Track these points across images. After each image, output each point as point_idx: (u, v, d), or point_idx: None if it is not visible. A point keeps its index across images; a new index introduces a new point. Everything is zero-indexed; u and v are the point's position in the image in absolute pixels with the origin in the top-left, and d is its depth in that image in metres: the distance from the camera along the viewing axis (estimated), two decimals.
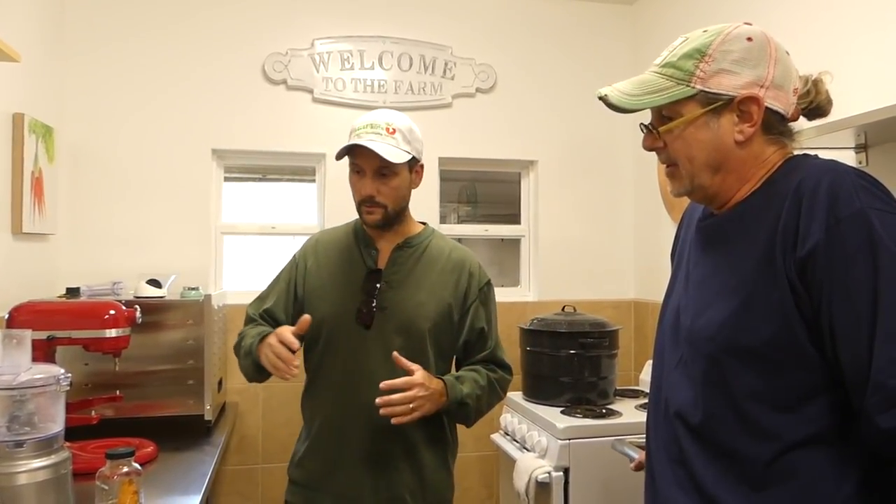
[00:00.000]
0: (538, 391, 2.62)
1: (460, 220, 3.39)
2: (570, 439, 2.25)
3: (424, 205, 2.97)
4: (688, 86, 1.02)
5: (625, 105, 1.05)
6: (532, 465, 2.26)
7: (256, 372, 1.57)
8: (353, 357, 1.57)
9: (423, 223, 1.75)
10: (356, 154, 1.56)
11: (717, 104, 1.02)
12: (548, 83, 3.13)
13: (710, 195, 1.09)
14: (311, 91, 2.87)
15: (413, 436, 1.57)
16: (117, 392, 2.07)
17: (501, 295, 3.15)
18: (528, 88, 3.11)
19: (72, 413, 1.77)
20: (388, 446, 1.55)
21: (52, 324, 1.87)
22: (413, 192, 2.95)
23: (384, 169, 1.55)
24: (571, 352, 2.54)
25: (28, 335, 1.52)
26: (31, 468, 1.45)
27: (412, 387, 1.44)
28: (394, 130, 1.55)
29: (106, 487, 1.33)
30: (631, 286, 3.21)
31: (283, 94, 2.85)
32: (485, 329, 1.67)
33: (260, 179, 3.20)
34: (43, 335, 1.83)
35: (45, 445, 1.49)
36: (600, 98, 1.07)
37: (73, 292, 2.25)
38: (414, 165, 1.62)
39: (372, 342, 1.56)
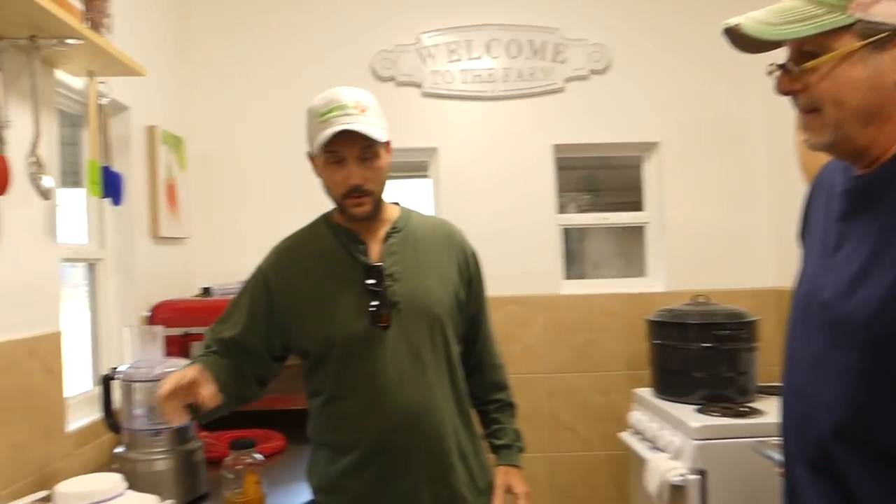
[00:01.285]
0: (669, 387, 2.46)
1: (580, 210, 3.26)
2: (706, 440, 2.09)
3: (541, 196, 2.90)
4: (843, 14, 0.86)
5: (765, 35, 0.89)
6: (665, 467, 2.12)
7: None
8: (377, 364, 1.42)
9: (395, 203, 1.60)
10: (334, 142, 1.36)
11: (879, 37, 0.86)
12: (668, 58, 2.95)
13: (857, 149, 0.92)
14: (419, 85, 2.87)
15: (458, 430, 1.51)
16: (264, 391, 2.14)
17: (626, 286, 3.08)
18: (646, 66, 2.94)
19: None
20: (440, 446, 1.46)
21: (188, 321, 1.97)
22: (527, 183, 2.93)
23: (367, 152, 1.40)
24: (704, 345, 2.36)
25: (161, 331, 1.60)
26: (167, 455, 1.53)
27: None
28: (364, 108, 1.39)
29: (230, 476, 1.37)
30: (770, 273, 2.95)
31: (393, 90, 2.86)
32: (483, 302, 1.64)
33: None
34: (179, 331, 1.94)
35: (180, 435, 1.57)
36: (727, 31, 0.93)
37: (206, 291, 2.38)
38: (387, 145, 1.47)
39: (393, 343, 1.43)
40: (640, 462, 2.32)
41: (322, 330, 1.42)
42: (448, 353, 1.49)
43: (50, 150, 1.72)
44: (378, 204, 1.45)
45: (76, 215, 2.14)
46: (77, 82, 1.84)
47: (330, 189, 1.44)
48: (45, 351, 1.66)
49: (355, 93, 1.41)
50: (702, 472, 2.06)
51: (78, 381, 1.84)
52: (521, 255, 2.89)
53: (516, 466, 1.59)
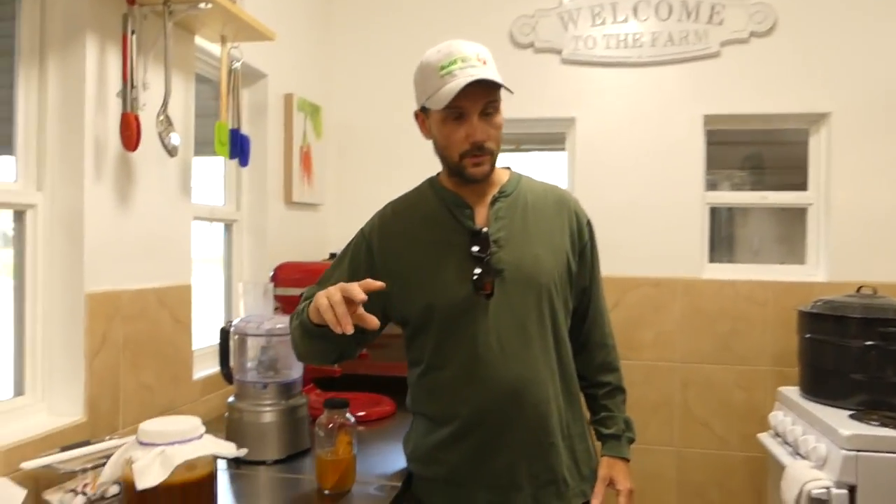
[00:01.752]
0: (820, 388, 2.18)
1: (734, 188, 2.98)
2: (858, 451, 1.82)
3: (687, 171, 2.67)
4: None
5: None
6: (805, 476, 1.88)
7: (304, 338, 1.37)
8: (479, 334, 1.35)
9: (506, 167, 1.50)
10: (459, 96, 1.28)
11: None
12: (841, 18, 2.58)
13: None
14: (559, 52, 2.74)
15: (563, 409, 1.41)
16: (363, 350, 2.18)
17: (780, 273, 2.77)
18: (817, 26, 2.59)
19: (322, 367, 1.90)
20: (541, 424, 1.37)
21: (307, 282, 2.02)
22: (672, 157, 2.71)
23: (490, 107, 1.32)
24: (867, 343, 2.06)
25: (271, 288, 1.64)
26: (273, 408, 1.57)
27: None
28: (484, 60, 1.31)
29: (322, 434, 1.37)
30: None
31: (530, 57, 2.75)
32: (596, 275, 1.52)
33: (514, 150, 3.16)
34: (298, 292, 1.99)
35: (286, 390, 1.61)
36: None
37: (334, 257, 2.43)
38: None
39: (496, 313, 1.35)
40: (779, 468, 2.08)
41: (422, 297, 1.38)
42: (555, 326, 1.39)
43: (187, 114, 1.82)
44: (494, 166, 1.39)
45: (216, 179, 2.27)
46: (217, 49, 1.92)
47: (446, 148, 1.37)
48: (175, 302, 1.77)
49: (474, 45, 1.35)
50: (850, 488, 1.81)
51: (210, 334, 1.95)
52: (661, 234, 2.69)
53: (623, 459, 1.47)
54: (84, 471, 1.25)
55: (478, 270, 1.35)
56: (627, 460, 1.48)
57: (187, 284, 1.84)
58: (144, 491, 0.95)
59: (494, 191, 1.42)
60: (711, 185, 2.80)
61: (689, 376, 2.68)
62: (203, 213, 2.07)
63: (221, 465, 1.54)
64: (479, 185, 1.41)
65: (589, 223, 1.49)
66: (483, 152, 1.34)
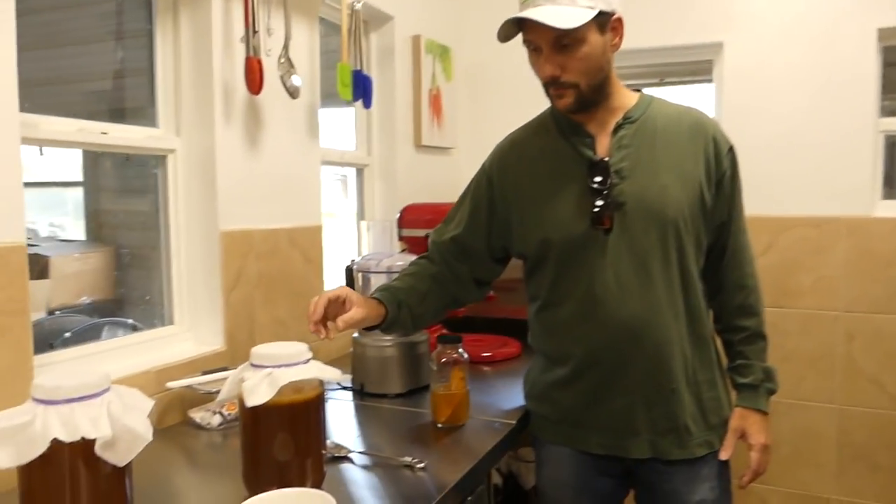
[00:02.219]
0: None
1: None
2: None
3: (855, 96, 2.35)
4: None
5: None
6: None
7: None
8: (596, 272, 1.27)
9: (637, 89, 1.36)
10: (525, 28, 1.24)
11: None
12: None
13: None
14: None
15: (689, 354, 1.29)
16: (491, 291, 2.16)
17: None
18: None
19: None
20: (662, 368, 1.27)
21: (432, 223, 2.03)
22: (837, 80, 2.39)
23: (564, 39, 1.20)
24: None
25: (391, 226, 1.66)
26: (394, 344, 1.61)
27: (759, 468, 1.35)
28: None
29: (435, 368, 1.38)
30: None
31: None
32: (737, 208, 1.36)
33: (657, 84, 2.95)
34: (423, 233, 2.00)
35: None
36: None
37: None
38: (606, 22, 1.23)
39: (615, 248, 1.26)
40: None
41: (539, 231, 1.33)
42: (683, 264, 1.29)
43: (311, 58, 1.86)
44: (590, 95, 1.28)
45: (349, 125, 2.33)
46: None
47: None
48: (305, 241, 1.85)
49: None
50: None
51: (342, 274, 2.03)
52: (823, 168, 2.40)
53: (759, 411, 1.34)
54: None
55: (598, 203, 1.27)
56: (765, 413, 1.35)
57: (317, 225, 1.91)
58: (256, 408, 1.00)
59: (619, 117, 1.33)
60: (888, 112, 2.44)
61: (854, 326, 2.40)
62: (333, 158, 2.13)
63: (347, 396, 1.61)
64: (598, 111, 1.32)
65: (731, 150, 1.35)
66: (561, 86, 1.26)
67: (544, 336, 1.40)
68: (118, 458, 0.87)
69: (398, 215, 2.09)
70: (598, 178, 1.28)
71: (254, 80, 1.55)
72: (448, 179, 2.75)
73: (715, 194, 1.32)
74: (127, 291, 1.74)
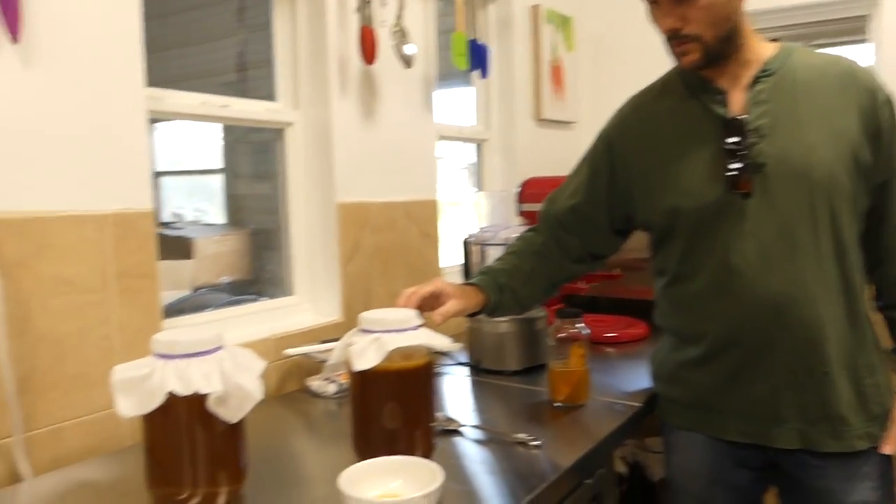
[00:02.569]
0: None
1: None
2: None
3: None
4: None
5: None
6: None
7: None
8: (733, 241, 1.14)
9: (775, 39, 1.19)
10: None
11: None
12: None
13: None
14: None
15: (845, 334, 1.13)
16: (617, 270, 2.05)
17: None
18: None
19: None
20: (813, 350, 1.11)
21: None
22: None
23: None
24: None
25: (509, 197, 1.60)
26: (510, 320, 1.55)
27: None
28: None
29: (552, 344, 1.31)
30: None
31: None
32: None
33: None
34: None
35: None
36: None
37: None
38: None
39: (756, 216, 1.11)
40: None
41: (667, 199, 1.22)
42: (837, 232, 1.13)
43: (427, 29, 1.83)
44: (717, 49, 1.15)
45: (468, 101, 2.29)
46: None
47: None
48: (422, 215, 1.83)
49: None
50: None
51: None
52: None
53: None
54: None
55: (735, 166, 1.14)
56: None
57: (433, 200, 1.89)
58: (364, 374, 0.98)
59: (754, 70, 1.18)
60: None
61: None
62: (451, 133, 2.09)
63: (463, 372, 1.58)
64: (730, 65, 1.18)
65: (889, 102, 1.17)
66: (683, 40, 1.13)
67: (674, 312, 1.28)
68: (230, 414, 0.87)
69: (518, 189, 2.02)
70: (733, 138, 1.15)
71: (368, 49, 1.54)
72: (569, 155, 2.63)
73: (873, 151, 1.15)
74: (261, 271, 1.79)
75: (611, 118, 1.36)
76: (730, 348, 1.17)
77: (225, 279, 2.02)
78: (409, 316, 1.02)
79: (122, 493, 0.94)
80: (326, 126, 1.57)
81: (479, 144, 2.29)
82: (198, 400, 0.85)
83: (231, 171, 1.85)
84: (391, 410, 0.99)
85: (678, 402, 1.27)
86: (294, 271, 1.62)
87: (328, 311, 1.60)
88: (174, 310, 1.52)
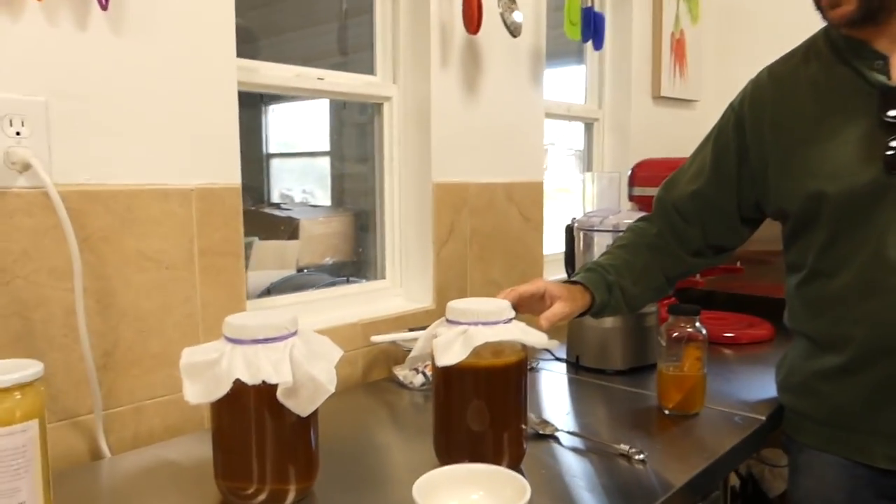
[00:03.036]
0: None
1: None
2: None
3: None
4: None
5: None
6: None
7: None
8: (890, 232, 0.94)
9: None
10: None
11: None
12: None
13: None
14: None
15: None
16: (738, 263, 1.85)
17: None
18: None
19: None
20: None
21: None
22: None
23: None
24: None
25: (617, 179, 1.46)
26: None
27: None
28: None
29: (665, 344, 1.16)
30: None
31: None
32: None
33: None
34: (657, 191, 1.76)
35: None
36: None
37: None
38: None
39: None
40: None
41: (809, 182, 1.04)
42: None
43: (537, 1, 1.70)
44: (875, 1, 0.96)
45: (578, 81, 2.13)
46: None
47: None
48: (524, 198, 1.71)
49: None
50: None
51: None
52: None
53: None
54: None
55: (894, 143, 0.96)
56: None
57: (538, 182, 1.76)
58: (448, 369, 0.89)
59: None
60: None
61: None
62: (559, 111, 1.95)
63: (560, 369, 1.46)
64: (893, 22, 0.98)
65: None
66: None
67: (810, 314, 1.10)
68: (300, 407, 0.80)
69: (629, 172, 1.86)
70: (894, 111, 0.96)
71: (471, 16, 1.43)
72: (689, 137, 2.41)
73: None
74: (363, 253, 1.76)
75: (742, 90, 1.18)
76: (879, 358, 0.99)
77: (328, 260, 2.01)
78: (502, 307, 0.91)
79: (198, 477, 0.90)
80: (425, 100, 1.48)
81: (589, 124, 2.14)
82: (267, 390, 0.78)
83: (337, 153, 1.82)
84: (477, 411, 0.90)
85: (811, 418, 1.10)
86: (386, 253, 1.55)
87: (420, 297, 1.52)
88: (277, 289, 1.50)
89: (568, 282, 1.11)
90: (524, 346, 0.92)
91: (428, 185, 1.49)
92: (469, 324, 0.88)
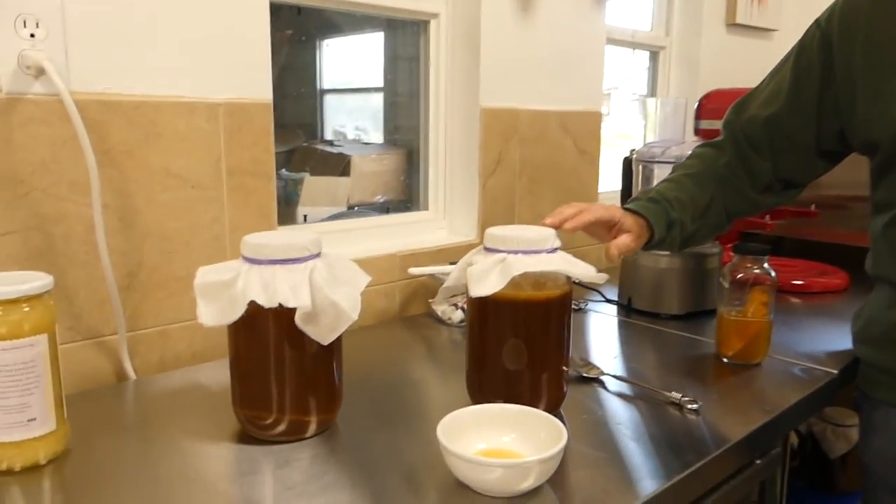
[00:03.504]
0: None
1: None
2: None
3: None
4: None
5: None
6: None
7: None
8: None
9: None
10: None
11: None
12: None
13: None
14: None
15: None
16: (812, 207, 1.70)
17: None
18: None
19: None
20: None
21: None
22: None
23: None
24: None
25: (683, 104, 1.33)
26: (675, 254, 1.30)
27: None
28: None
29: (726, 286, 1.05)
30: None
31: None
32: None
33: None
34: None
35: None
36: None
37: None
38: None
39: None
40: None
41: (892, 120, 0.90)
42: None
43: None
44: None
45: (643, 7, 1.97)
46: None
47: None
48: (580, 129, 1.59)
49: None
50: None
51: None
52: None
53: None
54: None
55: None
56: None
57: (595, 111, 1.64)
58: (484, 301, 0.81)
59: None
60: None
61: None
62: (623, 38, 1.80)
63: (611, 311, 1.36)
64: None
65: None
66: None
67: (894, 257, 0.98)
68: (321, 334, 0.74)
69: (697, 104, 1.71)
70: None
71: None
72: (765, 70, 2.23)
73: None
74: (414, 192, 1.69)
75: (831, 4, 1.02)
76: None
77: (380, 199, 1.95)
78: (545, 235, 0.82)
79: (220, 404, 0.86)
80: (475, 19, 1.37)
81: (655, 53, 1.98)
82: (286, 314, 0.73)
83: (391, 89, 1.74)
84: (514, 348, 0.82)
85: (890, 372, 0.98)
86: (430, 183, 1.47)
87: (464, 230, 1.44)
88: None
89: (627, 209, 1.00)
90: (569, 280, 0.84)
91: (475, 110, 1.39)
92: (508, 252, 0.80)
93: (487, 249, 0.83)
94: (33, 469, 0.71)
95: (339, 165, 2.28)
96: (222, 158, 1.03)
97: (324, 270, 0.76)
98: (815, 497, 1.69)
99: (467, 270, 0.82)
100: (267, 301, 0.71)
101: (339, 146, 2.52)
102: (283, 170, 1.60)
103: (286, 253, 0.74)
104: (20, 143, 0.85)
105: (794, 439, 1.71)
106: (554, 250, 0.82)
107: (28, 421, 0.70)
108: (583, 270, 0.81)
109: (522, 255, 0.79)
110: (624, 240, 0.94)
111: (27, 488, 0.68)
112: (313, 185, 1.65)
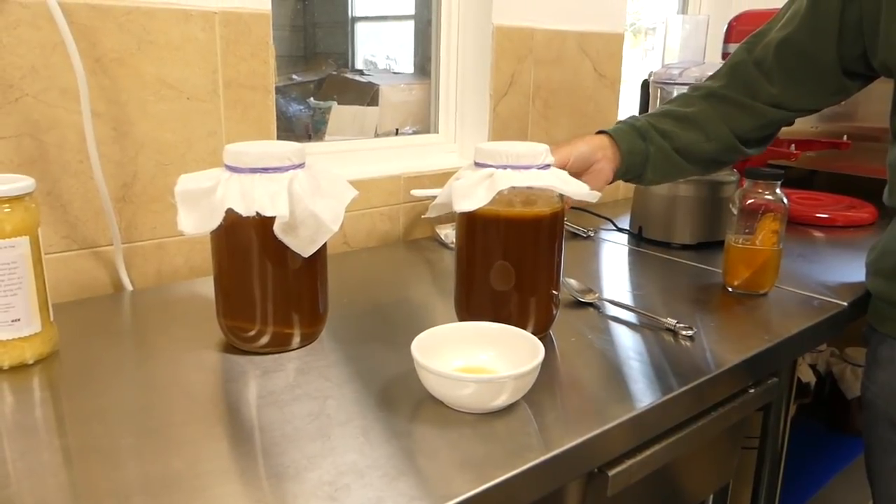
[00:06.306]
0: None
1: None
2: None
3: None
4: None
5: None
6: None
7: None
8: None
9: None
10: None
11: None
12: None
13: None
14: None
15: None
16: (844, 137, 1.62)
17: None
18: None
19: (777, 146, 1.46)
20: None
21: None
22: None
23: None
24: None
25: (703, 21, 1.25)
26: (689, 182, 1.26)
27: None
28: None
29: (735, 212, 1.01)
30: None
31: None
32: None
33: None
34: None
35: None
36: None
37: None
38: None
39: None
40: None
41: None
42: None
43: None
44: None
45: None
46: None
47: None
48: (600, 51, 1.52)
49: None
50: None
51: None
52: None
53: None
54: None
55: None
56: None
57: (618, 33, 1.56)
58: (472, 218, 0.79)
59: None
60: None
61: None
62: None
63: (621, 240, 1.33)
64: None
65: None
66: None
67: None
68: (301, 245, 0.73)
69: (725, 27, 1.62)
70: None
71: None
72: None
73: None
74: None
75: None
76: None
77: (408, 129, 1.92)
78: (537, 151, 0.79)
79: (210, 316, 0.86)
80: None
81: None
82: (267, 224, 0.71)
83: (421, 17, 1.68)
84: (501, 269, 0.80)
85: None
86: (440, 105, 1.43)
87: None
88: None
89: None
90: (561, 199, 0.81)
91: (488, 27, 1.33)
92: (497, 167, 0.77)
93: (477, 164, 0.80)
94: (21, 368, 0.72)
95: (367, 95, 2.24)
96: (219, 70, 1.01)
97: (305, 181, 0.74)
98: (832, 436, 1.67)
99: (452, 185, 0.79)
100: (245, 209, 0.70)
101: (369, 75, 2.47)
102: (312, 98, 1.58)
103: (266, 161, 0.72)
104: (9, 47, 0.84)
105: (812, 378, 1.68)
106: (546, 167, 0.79)
107: (12, 321, 0.71)
108: (574, 188, 0.78)
109: (511, 171, 0.76)
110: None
111: (15, 385, 0.70)
112: (341, 114, 1.62)
